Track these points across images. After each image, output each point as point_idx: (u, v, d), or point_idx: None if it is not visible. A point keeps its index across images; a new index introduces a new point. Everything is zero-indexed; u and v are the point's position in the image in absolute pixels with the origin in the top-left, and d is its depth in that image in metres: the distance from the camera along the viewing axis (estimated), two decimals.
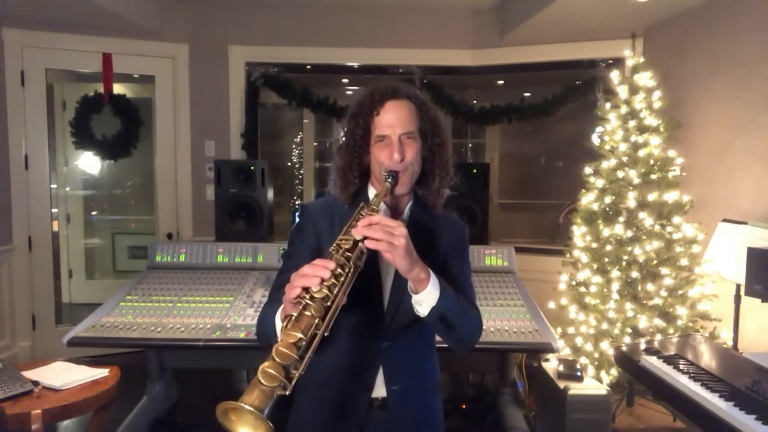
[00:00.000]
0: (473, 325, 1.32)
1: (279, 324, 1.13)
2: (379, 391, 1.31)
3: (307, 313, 0.98)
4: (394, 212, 1.35)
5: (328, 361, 1.29)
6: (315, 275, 1.01)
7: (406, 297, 1.22)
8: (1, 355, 3.60)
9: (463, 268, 1.39)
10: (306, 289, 1.01)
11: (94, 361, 2.44)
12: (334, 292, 1.02)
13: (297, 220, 1.40)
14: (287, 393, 0.90)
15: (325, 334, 0.99)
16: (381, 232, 1.08)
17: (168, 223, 4.41)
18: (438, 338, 1.36)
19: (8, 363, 2.32)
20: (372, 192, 1.35)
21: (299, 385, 1.37)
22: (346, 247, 1.09)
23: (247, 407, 0.84)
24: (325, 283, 1.01)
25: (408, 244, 1.10)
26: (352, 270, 1.07)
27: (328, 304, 1.01)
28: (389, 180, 1.25)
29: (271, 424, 0.85)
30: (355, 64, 4.49)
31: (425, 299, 1.17)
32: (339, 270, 1.04)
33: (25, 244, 3.98)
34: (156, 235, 4.45)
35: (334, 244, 1.11)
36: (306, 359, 0.95)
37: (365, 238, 1.09)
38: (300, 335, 0.95)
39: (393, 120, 1.27)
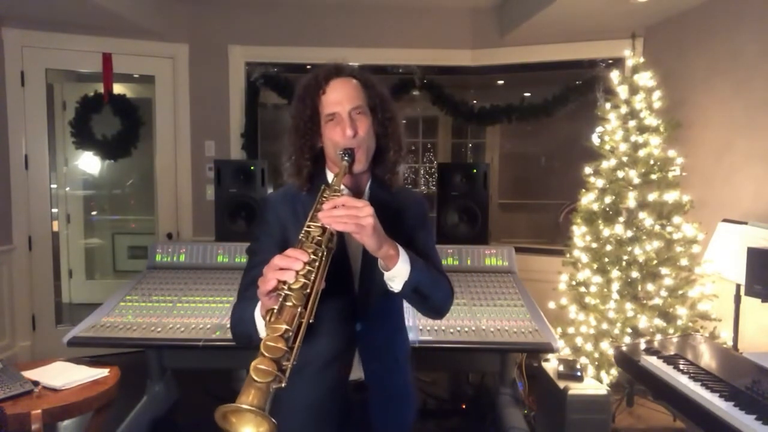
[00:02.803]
0: (445, 293, 1.33)
1: (260, 321, 1.12)
2: (356, 372, 1.32)
3: (288, 303, 0.98)
4: (356, 193, 1.34)
5: (306, 346, 1.29)
6: (289, 268, 1.01)
7: (376, 276, 1.22)
8: (1, 355, 3.60)
9: (427, 240, 1.40)
10: (282, 281, 1.01)
11: (94, 361, 2.44)
12: (311, 278, 1.02)
13: (260, 214, 1.38)
14: (283, 385, 0.90)
15: (311, 321, 0.99)
16: (346, 216, 1.08)
17: (168, 223, 4.41)
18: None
19: (8, 363, 2.32)
20: (330, 176, 1.33)
21: None
22: (316, 232, 1.09)
23: (246, 407, 0.84)
24: (300, 273, 1.01)
25: (375, 222, 1.10)
26: (325, 253, 1.07)
27: (308, 291, 1.01)
28: (346, 158, 1.24)
29: (273, 420, 0.85)
30: (355, 64, 4.47)
31: (397, 275, 1.17)
32: (312, 256, 1.04)
33: (25, 244, 3.98)
34: (156, 235, 4.45)
35: (303, 231, 1.10)
36: (296, 349, 0.95)
37: None
38: (285, 326, 0.95)
39: (340, 96, 1.26)
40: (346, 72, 1.32)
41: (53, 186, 4.30)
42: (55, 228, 4.46)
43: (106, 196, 5.50)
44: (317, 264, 1.04)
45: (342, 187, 1.24)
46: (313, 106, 1.29)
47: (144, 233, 5.15)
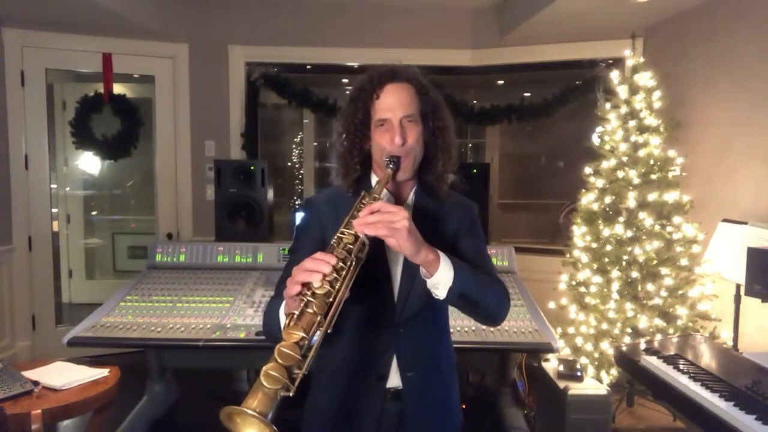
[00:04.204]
0: (498, 298, 1.28)
1: (283, 320, 1.11)
2: (394, 379, 1.30)
3: (309, 310, 0.97)
4: (398, 200, 1.33)
5: (342, 352, 1.29)
6: (316, 270, 1.00)
7: (416, 284, 1.20)
8: (1, 355, 3.60)
9: (475, 244, 1.37)
10: (307, 285, 1.00)
11: (94, 361, 2.44)
12: (336, 287, 1.00)
13: (302, 214, 1.39)
14: (291, 395, 0.89)
15: (329, 331, 0.98)
16: (380, 221, 1.06)
17: (168, 223, 4.41)
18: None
19: (8, 363, 2.32)
20: (374, 179, 1.32)
21: (315, 375, 1.36)
22: (348, 240, 1.08)
23: (250, 412, 0.83)
24: (326, 279, 1.00)
25: (410, 226, 1.08)
26: (353, 263, 1.05)
27: (330, 299, 0.99)
28: (391, 166, 1.23)
29: (275, 428, 0.84)
30: (355, 64, 4.48)
31: (440, 281, 1.15)
32: (340, 264, 1.02)
33: (25, 244, 3.98)
34: (156, 235, 4.45)
35: (336, 237, 1.09)
36: (309, 358, 0.94)
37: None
38: (302, 334, 0.93)
39: (393, 103, 1.25)
40: (402, 76, 1.28)
41: (53, 186, 4.31)
42: (55, 228, 4.47)
43: (106, 196, 5.50)
44: (344, 273, 1.02)
45: (384, 192, 1.23)
46: (366, 109, 1.27)
47: (144, 233, 5.15)
